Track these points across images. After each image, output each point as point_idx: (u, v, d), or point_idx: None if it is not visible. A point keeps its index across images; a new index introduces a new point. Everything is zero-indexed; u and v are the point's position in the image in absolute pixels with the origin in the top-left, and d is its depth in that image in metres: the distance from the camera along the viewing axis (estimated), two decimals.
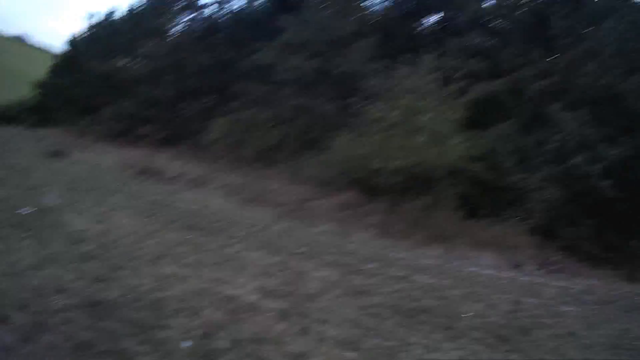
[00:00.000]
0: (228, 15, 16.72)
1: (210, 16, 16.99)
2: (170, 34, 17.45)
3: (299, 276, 5.46)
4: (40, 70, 22.85)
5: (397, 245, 10.18)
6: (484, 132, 12.58)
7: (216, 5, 16.74)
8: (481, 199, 12.59)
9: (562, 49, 13.60)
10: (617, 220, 13.61)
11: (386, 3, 15.55)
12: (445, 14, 15.21)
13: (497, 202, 12.55)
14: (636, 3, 15.06)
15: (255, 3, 16.56)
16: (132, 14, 19.55)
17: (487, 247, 11.74)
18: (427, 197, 12.17)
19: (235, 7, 16.69)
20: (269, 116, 13.15)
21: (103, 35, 20.07)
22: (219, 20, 16.81)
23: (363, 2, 15.59)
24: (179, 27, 17.45)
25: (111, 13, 20.46)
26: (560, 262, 12.45)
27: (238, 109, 13.63)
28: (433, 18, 15.47)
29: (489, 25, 14.28)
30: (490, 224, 12.42)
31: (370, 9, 15.69)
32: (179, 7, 17.17)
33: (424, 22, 15.64)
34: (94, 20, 21.22)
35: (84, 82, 18.35)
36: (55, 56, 24.83)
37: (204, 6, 17.04)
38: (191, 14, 17.12)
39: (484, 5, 14.54)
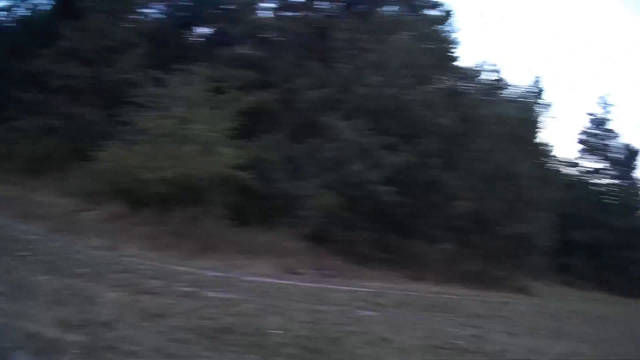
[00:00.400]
0: (12, 22, 16.01)
1: None
2: None
3: (90, 301, 5.12)
4: None
5: (169, 256, 9.93)
6: (254, 141, 12.75)
7: (3, 11, 15.99)
8: (252, 208, 12.73)
9: (341, 61, 14.05)
10: (398, 223, 14.30)
11: (159, 13, 15.50)
12: (218, 25, 15.34)
13: (268, 210, 12.77)
14: (425, 16, 15.98)
15: (40, 9, 15.98)
16: None
17: (261, 254, 11.75)
18: (196, 207, 12.11)
19: (20, 12, 15.98)
20: (39, 125, 12.67)
21: None
22: (4, 26, 16.07)
23: (136, 10, 15.39)
24: None
25: None
26: (338, 266, 12.89)
27: (11, 118, 13.03)
28: (206, 29, 15.56)
29: (264, 37, 14.58)
30: (262, 232, 12.64)
31: (143, 18, 15.55)
32: None
33: (196, 32, 15.74)
34: None
35: None
36: None
37: None
38: None
39: (258, 18, 14.84)
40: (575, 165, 26.90)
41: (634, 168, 27.46)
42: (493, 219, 15.18)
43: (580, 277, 22.40)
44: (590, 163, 27.09)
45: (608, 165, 26.91)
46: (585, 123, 27.17)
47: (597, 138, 26.90)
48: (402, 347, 4.90)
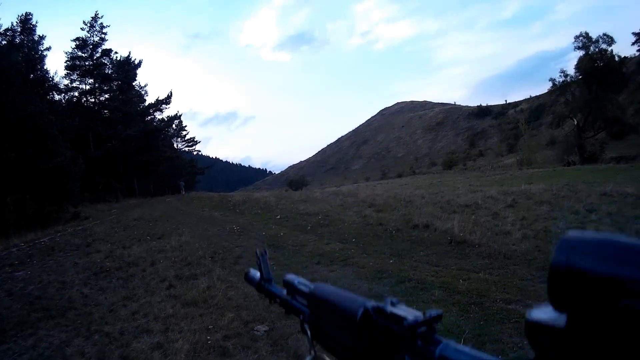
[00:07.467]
0: None
1: None
2: None
3: None
4: None
5: None
6: None
7: None
8: None
9: None
10: None
11: None
12: None
13: None
14: None
15: None
16: None
17: None
18: None
19: None
20: None
21: None
22: None
23: None
24: None
25: None
26: None
27: None
28: None
29: None
30: None
31: None
32: None
33: None
34: None
35: None
36: None
37: None
38: None
39: None
40: (72, 89, 27.56)
41: (133, 79, 30.19)
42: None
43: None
44: (85, 85, 28.10)
45: (103, 83, 28.44)
46: (74, 48, 27.52)
47: (89, 60, 27.65)
48: None
